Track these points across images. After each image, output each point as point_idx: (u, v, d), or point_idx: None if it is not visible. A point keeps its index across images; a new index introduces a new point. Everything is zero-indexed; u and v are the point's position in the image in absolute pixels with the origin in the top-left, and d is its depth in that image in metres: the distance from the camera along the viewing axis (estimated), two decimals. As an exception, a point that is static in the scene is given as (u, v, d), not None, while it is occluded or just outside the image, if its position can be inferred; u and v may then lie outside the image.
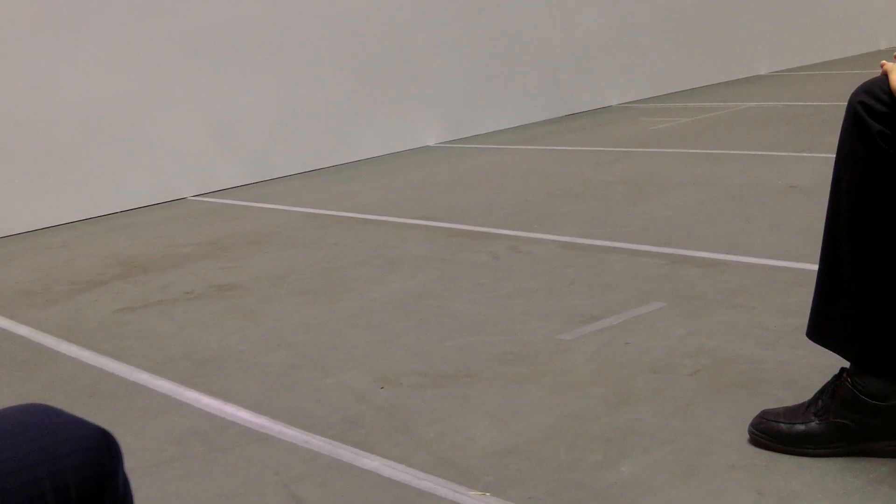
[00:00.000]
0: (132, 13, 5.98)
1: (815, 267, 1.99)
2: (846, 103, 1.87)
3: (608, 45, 8.53)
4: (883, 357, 1.90)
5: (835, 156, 1.90)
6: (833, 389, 1.98)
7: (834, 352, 1.98)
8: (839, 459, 1.95)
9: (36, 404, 0.99)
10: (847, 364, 1.98)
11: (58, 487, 0.92)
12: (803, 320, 2.68)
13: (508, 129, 7.86)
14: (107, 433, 0.98)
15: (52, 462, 0.92)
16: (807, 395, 2.11)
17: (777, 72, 9.93)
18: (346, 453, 2.26)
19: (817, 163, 4.96)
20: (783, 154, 5.37)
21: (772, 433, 2.02)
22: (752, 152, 5.53)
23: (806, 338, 2.03)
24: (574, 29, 8.26)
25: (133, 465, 2.32)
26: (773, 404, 2.16)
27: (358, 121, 7.06)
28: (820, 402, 1.99)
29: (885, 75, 1.79)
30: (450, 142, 7.51)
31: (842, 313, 1.92)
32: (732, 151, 5.64)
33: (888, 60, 1.83)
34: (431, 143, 7.48)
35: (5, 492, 0.89)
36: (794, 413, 2.02)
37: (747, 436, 2.08)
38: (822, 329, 1.98)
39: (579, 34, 8.31)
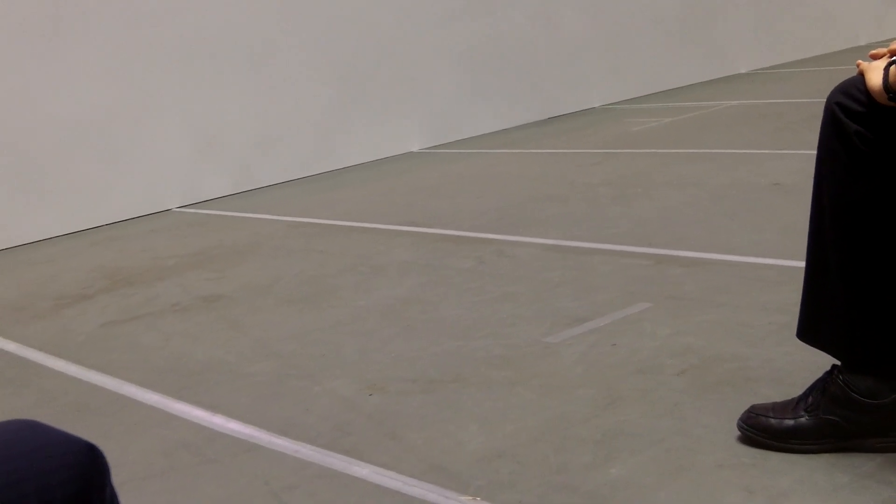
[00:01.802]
0: (114, 26, 5.97)
1: (800, 264, 2.00)
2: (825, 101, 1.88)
3: (589, 47, 8.55)
4: (872, 356, 1.91)
5: (815, 155, 1.91)
6: (824, 386, 1.98)
7: (824, 352, 1.99)
8: (827, 456, 1.96)
9: (23, 420, 0.99)
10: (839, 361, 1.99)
11: (45, 502, 0.92)
12: (788, 317, 2.70)
13: (492, 133, 7.87)
14: (94, 448, 0.98)
15: (39, 477, 0.92)
16: (793, 391, 2.12)
17: (758, 70, 9.98)
18: (336, 461, 2.26)
19: (800, 160, 4.98)
20: (766, 152, 5.39)
21: (760, 428, 2.02)
22: (735, 151, 5.55)
23: (791, 334, 2.04)
24: (555, 32, 8.28)
25: (122, 479, 2.32)
26: (759, 402, 2.16)
27: (341, 128, 7.06)
28: (810, 399, 2.00)
29: (862, 75, 1.80)
30: (434, 147, 7.51)
31: (830, 313, 1.93)
32: (715, 150, 5.66)
33: (866, 59, 1.84)
34: (415, 148, 7.49)
35: (-7, 509, 0.89)
36: (783, 408, 2.03)
37: (735, 433, 2.08)
38: (811, 329, 1.99)
39: (560, 37, 8.33)
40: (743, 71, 9.95)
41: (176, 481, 2.28)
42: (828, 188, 1.87)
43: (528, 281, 3.52)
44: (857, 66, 1.83)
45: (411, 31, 7.39)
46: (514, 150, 6.78)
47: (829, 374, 1.99)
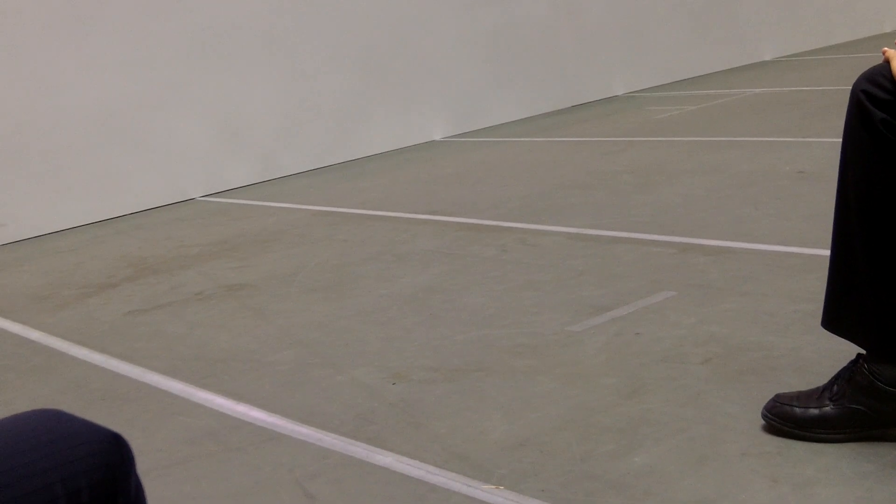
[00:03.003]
0: (136, 15, 5.99)
1: (825, 252, 1.99)
2: (851, 88, 1.86)
3: (613, 34, 8.51)
4: None
5: (841, 143, 1.89)
6: (849, 375, 1.97)
7: (849, 341, 1.98)
8: (852, 445, 1.95)
9: (48, 409, 1.00)
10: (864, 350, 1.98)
11: (70, 492, 0.92)
12: (813, 306, 2.68)
13: (515, 121, 7.86)
14: (118, 436, 0.99)
15: (64, 467, 0.93)
16: (818, 380, 2.11)
17: (782, 57, 9.90)
18: (359, 450, 2.26)
19: (825, 148, 4.94)
20: (790, 139, 5.35)
21: (785, 417, 2.02)
22: (759, 138, 5.52)
23: (816, 323, 2.03)
24: (578, 19, 8.25)
25: (147, 467, 2.33)
26: (784, 391, 2.15)
27: (364, 117, 7.06)
28: (836, 387, 1.99)
29: (887, 62, 1.79)
30: (456, 135, 7.50)
31: (855, 302, 1.91)
32: (739, 138, 5.63)
33: (892, 45, 1.82)
34: (438, 137, 7.48)
35: (19, 497, 0.90)
36: (808, 397, 2.02)
37: (760, 422, 2.07)
38: (836, 318, 1.97)
39: (584, 24, 8.29)
40: (767, 58, 9.87)
41: (200, 469, 2.30)
42: (853, 176, 1.85)
43: (552, 269, 3.51)
44: (883, 53, 1.81)
45: (434, 18, 7.37)
46: (537, 139, 6.76)
47: (854, 363, 1.98)
